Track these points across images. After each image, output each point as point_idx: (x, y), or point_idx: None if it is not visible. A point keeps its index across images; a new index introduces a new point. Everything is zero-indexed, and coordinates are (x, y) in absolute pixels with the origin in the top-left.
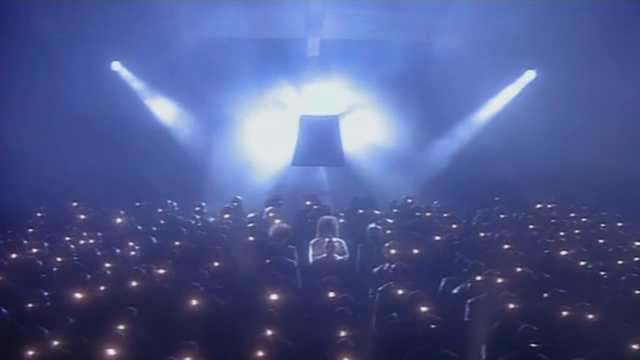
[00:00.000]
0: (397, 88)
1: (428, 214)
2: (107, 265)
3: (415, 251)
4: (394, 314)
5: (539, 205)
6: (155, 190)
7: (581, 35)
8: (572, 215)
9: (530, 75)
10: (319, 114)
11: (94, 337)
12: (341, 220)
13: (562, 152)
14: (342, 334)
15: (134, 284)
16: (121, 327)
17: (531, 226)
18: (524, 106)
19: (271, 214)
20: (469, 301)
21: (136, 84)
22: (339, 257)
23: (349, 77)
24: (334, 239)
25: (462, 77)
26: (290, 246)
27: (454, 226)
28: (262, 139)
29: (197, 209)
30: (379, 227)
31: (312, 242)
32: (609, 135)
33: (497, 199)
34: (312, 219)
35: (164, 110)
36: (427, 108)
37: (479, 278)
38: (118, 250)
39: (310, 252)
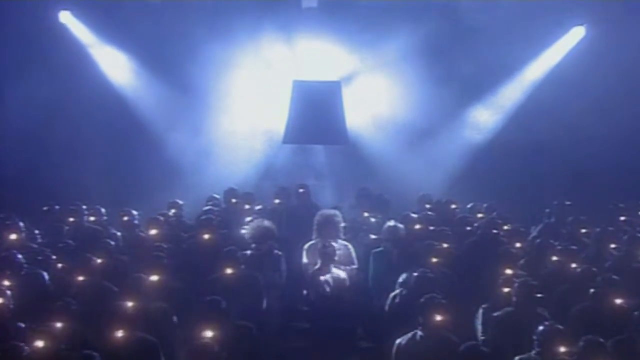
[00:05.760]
0: (414, 48)
1: (494, 230)
2: None
3: None
4: None
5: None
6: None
7: None
8: None
9: (578, 32)
10: (316, 79)
11: None
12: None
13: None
14: None
15: None
16: None
17: None
18: (572, 69)
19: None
20: None
21: (87, 39)
22: (341, 274)
23: (354, 34)
24: (335, 243)
25: (495, 37)
26: (276, 251)
27: (518, 245)
28: (244, 111)
29: (125, 218)
30: (399, 224)
31: (306, 246)
32: None
33: (568, 203)
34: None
35: (119, 72)
36: (453, 72)
37: None
38: None
39: (304, 259)
